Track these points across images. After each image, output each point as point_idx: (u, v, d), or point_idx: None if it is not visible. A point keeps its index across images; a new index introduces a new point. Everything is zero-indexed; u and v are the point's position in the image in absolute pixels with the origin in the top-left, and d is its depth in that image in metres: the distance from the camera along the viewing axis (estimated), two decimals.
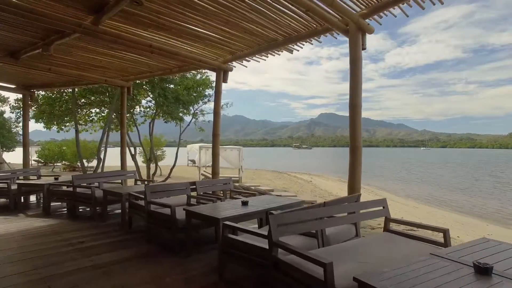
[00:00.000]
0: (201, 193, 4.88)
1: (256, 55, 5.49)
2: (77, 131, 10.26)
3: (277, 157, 77.31)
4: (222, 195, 5.16)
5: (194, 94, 11.21)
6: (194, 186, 4.82)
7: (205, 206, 3.83)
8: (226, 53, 5.66)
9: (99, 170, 11.62)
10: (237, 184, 11.35)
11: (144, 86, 10.04)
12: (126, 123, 8.26)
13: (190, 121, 13.08)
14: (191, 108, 12.96)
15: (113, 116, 12.25)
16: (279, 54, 5.33)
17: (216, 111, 6.10)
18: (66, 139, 26.03)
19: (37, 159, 28.05)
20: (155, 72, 6.83)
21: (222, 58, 5.92)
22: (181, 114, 12.85)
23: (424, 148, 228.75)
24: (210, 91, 12.42)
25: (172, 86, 10.99)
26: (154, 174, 12.30)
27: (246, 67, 6.01)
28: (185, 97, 10.09)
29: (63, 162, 24.48)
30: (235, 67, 6.16)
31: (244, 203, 3.86)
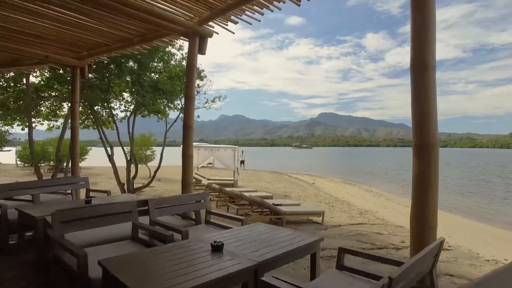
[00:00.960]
0: (158, 218, 3.13)
1: (248, 8, 3.71)
2: (30, 127, 8.51)
3: (277, 157, 75.61)
4: (194, 219, 3.42)
5: (179, 86, 9.45)
6: (147, 207, 3.08)
7: (143, 255, 2.09)
8: (202, 7, 3.91)
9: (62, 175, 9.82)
10: (228, 189, 9.59)
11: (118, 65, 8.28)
12: (78, 114, 6.53)
13: (177, 116, 11.34)
14: (178, 102, 11.22)
15: (83, 109, 10.49)
16: (284, 2, 3.55)
17: (189, 95, 4.31)
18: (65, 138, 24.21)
19: (22, 160, 26.36)
20: (113, 45, 5.08)
21: (197, 18, 4.18)
22: (168, 110, 11.10)
23: None
24: (198, 81, 10.66)
25: (153, 75, 9.25)
26: (134, 177, 10.55)
27: (233, 33, 4.26)
28: (167, 87, 8.29)
29: (46, 162, 22.70)
30: (217, 33, 4.40)
31: (217, 248, 2.12)
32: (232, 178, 13.09)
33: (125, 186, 10.38)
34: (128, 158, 10.55)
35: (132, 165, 11.02)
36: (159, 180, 16.55)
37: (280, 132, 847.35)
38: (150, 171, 18.30)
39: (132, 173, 10.78)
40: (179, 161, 4.51)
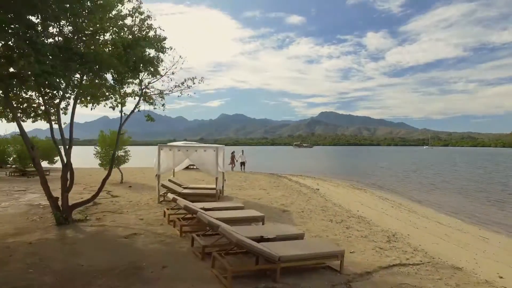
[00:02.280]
0: None
1: None
2: None
3: (277, 157, 72.62)
4: None
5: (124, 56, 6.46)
6: None
7: None
8: None
9: None
10: (199, 207, 6.66)
11: None
12: None
13: (138, 102, 8.40)
14: (137, 89, 8.30)
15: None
16: None
17: None
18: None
19: None
20: None
21: None
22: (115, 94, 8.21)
23: (427, 147, 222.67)
24: (160, 56, 7.71)
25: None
26: (69, 188, 7.57)
27: None
28: (91, 52, 5.23)
29: (9, 164, 19.71)
30: None
31: None
32: (214, 187, 10.13)
33: (59, 201, 7.42)
34: (65, 161, 7.54)
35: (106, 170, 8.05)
36: (130, 187, 13.62)
37: (281, 131, 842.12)
38: (122, 175, 15.35)
39: (93, 181, 7.83)
40: None
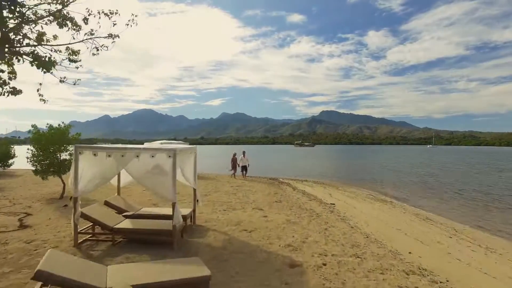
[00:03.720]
0: None
1: None
2: None
3: (278, 157, 68.37)
4: None
5: None
6: None
7: None
8: None
9: None
10: (109, 286, 2.38)
11: None
12: None
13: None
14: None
15: None
16: None
17: None
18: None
19: None
20: None
21: None
22: None
23: (430, 146, 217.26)
24: None
25: None
26: None
27: None
28: None
29: None
30: None
31: None
32: (183, 213, 5.94)
33: None
34: None
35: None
36: (65, 206, 9.44)
37: (282, 130, 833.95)
38: (64, 186, 11.16)
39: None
40: None
